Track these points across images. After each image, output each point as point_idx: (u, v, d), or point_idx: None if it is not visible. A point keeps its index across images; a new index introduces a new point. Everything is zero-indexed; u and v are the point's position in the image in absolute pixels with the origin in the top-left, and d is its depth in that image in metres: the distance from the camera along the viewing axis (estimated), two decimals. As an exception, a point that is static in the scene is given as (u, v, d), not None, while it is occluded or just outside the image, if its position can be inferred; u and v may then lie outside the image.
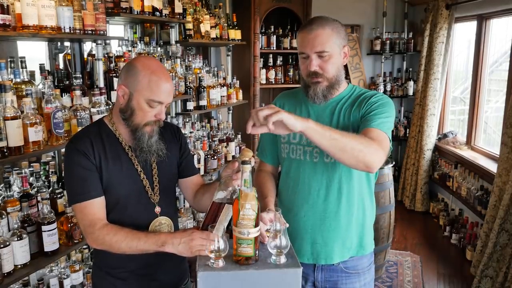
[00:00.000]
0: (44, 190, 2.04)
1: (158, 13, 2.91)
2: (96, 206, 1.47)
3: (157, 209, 1.58)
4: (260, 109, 1.36)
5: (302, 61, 1.66)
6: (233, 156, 3.90)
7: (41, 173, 2.22)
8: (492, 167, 3.82)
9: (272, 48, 4.67)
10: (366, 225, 1.75)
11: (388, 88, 5.46)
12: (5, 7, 1.81)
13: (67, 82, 2.43)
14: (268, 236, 1.37)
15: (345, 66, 5.50)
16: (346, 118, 1.66)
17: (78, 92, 2.16)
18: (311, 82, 1.64)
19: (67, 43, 2.57)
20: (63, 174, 2.32)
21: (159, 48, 3.18)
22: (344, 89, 1.71)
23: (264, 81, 4.68)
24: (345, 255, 1.71)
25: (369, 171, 1.51)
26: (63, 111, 2.07)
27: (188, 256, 1.41)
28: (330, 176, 1.66)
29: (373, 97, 1.66)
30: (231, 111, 4.30)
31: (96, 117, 2.18)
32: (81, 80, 2.34)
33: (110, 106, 2.31)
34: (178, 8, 3.18)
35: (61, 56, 2.59)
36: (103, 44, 2.46)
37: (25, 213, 1.93)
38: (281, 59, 4.77)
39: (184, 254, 1.40)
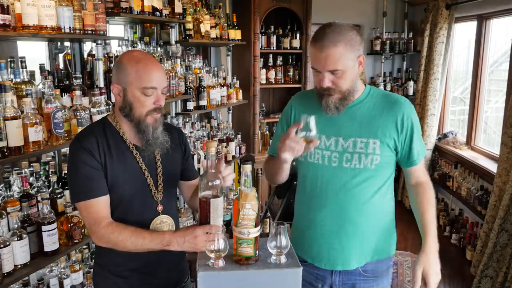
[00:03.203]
0: (44, 190, 2.04)
1: (158, 13, 2.90)
2: (101, 205, 1.48)
3: (160, 207, 1.59)
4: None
5: (315, 73, 1.61)
6: (233, 156, 3.90)
7: (41, 173, 2.22)
8: (492, 167, 3.82)
9: (272, 48, 4.67)
10: (386, 230, 1.73)
11: (388, 88, 5.46)
12: (5, 7, 1.80)
13: (67, 82, 2.43)
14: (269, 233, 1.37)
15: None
16: (368, 124, 1.62)
17: (78, 92, 2.16)
18: (323, 93, 1.60)
19: (67, 43, 2.57)
20: (64, 173, 2.33)
21: (159, 48, 3.18)
22: (362, 92, 1.67)
23: (264, 81, 4.68)
24: (362, 261, 1.69)
25: None
26: (63, 111, 2.07)
27: (196, 250, 1.40)
28: (349, 182, 1.62)
29: (406, 111, 1.63)
30: (231, 111, 4.30)
31: (96, 117, 2.18)
32: (81, 80, 2.34)
33: (110, 106, 2.31)
34: (178, 8, 3.18)
35: (61, 56, 2.59)
36: (103, 44, 2.46)
37: (25, 213, 1.93)
38: (281, 59, 4.77)
39: (191, 251, 1.40)
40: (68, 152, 1.55)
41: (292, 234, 1.85)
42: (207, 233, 1.37)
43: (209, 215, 1.37)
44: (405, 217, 4.91)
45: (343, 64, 1.53)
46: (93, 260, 2.29)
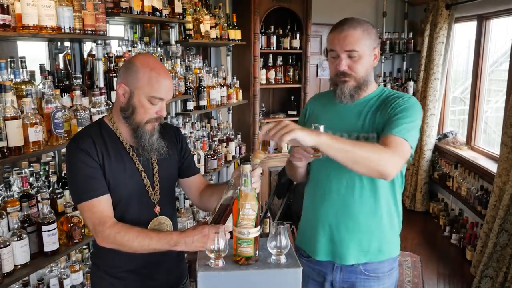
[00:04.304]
0: (44, 190, 2.04)
1: (158, 13, 2.91)
2: (104, 204, 1.47)
3: (157, 209, 1.58)
4: (272, 129, 1.37)
5: (331, 60, 1.65)
6: (233, 156, 3.90)
7: (41, 173, 2.22)
8: (492, 167, 3.82)
9: (272, 48, 4.67)
10: (387, 230, 1.72)
11: (388, 88, 5.45)
12: (5, 7, 1.81)
13: (67, 82, 2.43)
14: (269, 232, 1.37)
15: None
16: (372, 120, 1.65)
17: (78, 92, 2.16)
18: (339, 81, 1.64)
19: (67, 43, 2.57)
20: (64, 173, 2.33)
21: (159, 48, 3.18)
22: (373, 91, 1.70)
23: (264, 81, 4.68)
24: (361, 258, 1.69)
25: (384, 178, 1.52)
26: (63, 111, 2.07)
27: (204, 250, 1.40)
28: (351, 177, 1.64)
29: (400, 99, 1.64)
30: (231, 111, 4.30)
31: (96, 117, 2.18)
32: (81, 80, 2.34)
33: (110, 106, 2.31)
34: (178, 8, 3.18)
35: (61, 56, 2.59)
36: (103, 44, 2.46)
37: (25, 213, 1.93)
38: (281, 59, 4.77)
39: (198, 250, 1.40)
40: (65, 154, 1.55)
41: (298, 227, 1.91)
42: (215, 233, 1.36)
43: (226, 218, 1.40)
44: (405, 217, 4.92)
45: (360, 46, 1.59)
46: (91, 260, 2.29)
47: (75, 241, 2.11)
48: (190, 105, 3.41)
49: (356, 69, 1.61)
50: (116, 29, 3.29)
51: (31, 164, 2.27)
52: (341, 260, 1.70)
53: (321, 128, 1.52)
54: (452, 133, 4.92)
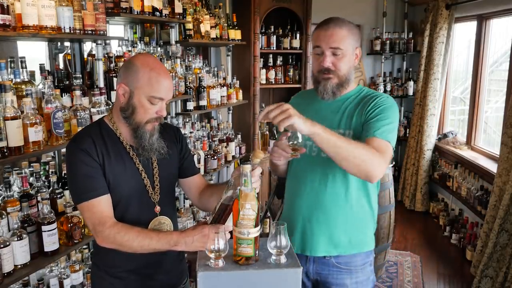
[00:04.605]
0: (44, 190, 2.04)
1: (158, 13, 2.91)
2: (104, 204, 1.47)
3: (157, 208, 1.58)
4: (273, 110, 1.41)
5: (316, 57, 1.72)
6: (233, 156, 3.90)
7: (41, 173, 2.22)
8: (492, 167, 3.82)
9: (272, 48, 4.67)
10: (359, 224, 1.76)
11: (388, 88, 5.46)
12: (5, 7, 1.81)
13: (67, 82, 2.43)
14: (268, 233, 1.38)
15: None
16: (349, 117, 1.71)
17: (78, 92, 2.16)
18: (322, 78, 1.70)
19: (67, 43, 2.57)
20: (64, 173, 2.33)
21: (159, 48, 3.18)
22: (352, 89, 1.77)
23: (264, 81, 4.68)
24: (332, 251, 1.74)
25: (369, 181, 1.59)
26: (63, 111, 2.07)
27: (204, 250, 1.40)
28: (325, 171, 1.71)
29: (377, 98, 1.70)
30: (231, 111, 4.30)
31: (96, 117, 2.18)
32: (81, 80, 2.34)
33: (110, 106, 2.31)
34: (178, 8, 3.18)
35: (61, 56, 2.59)
36: (103, 44, 2.45)
37: (25, 213, 1.93)
38: (281, 59, 4.77)
39: (198, 250, 1.40)
40: (65, 154, 1.55)
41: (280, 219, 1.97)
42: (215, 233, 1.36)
43: (225, 217, 1.40)
44: (405, 217, 4.93)
45: (344, 45, 1.66)
46: (91, 260, 2.29)
47: (75, 241, 2.11)
48: (190, 105, 3.42)
49: (339, 66, 1.68)
50: (116, 29, 3.29)
51: (31, 164, 2.27)
52: (311, 252, 1.75)
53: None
54: (452, 133, 4.93)
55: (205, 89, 3.49)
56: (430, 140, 4.94)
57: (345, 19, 1.72)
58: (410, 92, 5.46)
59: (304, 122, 1.43)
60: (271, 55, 4.73)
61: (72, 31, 2.13)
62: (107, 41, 2.62)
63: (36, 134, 1.88)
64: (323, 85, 1.70)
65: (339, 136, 1.51)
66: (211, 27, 3.72)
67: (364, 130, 1.64)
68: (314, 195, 1.73)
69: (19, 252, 1.84)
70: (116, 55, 2.76)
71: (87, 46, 2.64)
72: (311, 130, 1.45)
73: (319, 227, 1.73)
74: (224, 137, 3.87)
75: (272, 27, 4.66)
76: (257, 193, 1.36)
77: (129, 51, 2.90)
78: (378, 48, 5.41)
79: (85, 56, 2.62)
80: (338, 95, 1.72)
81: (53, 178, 2.22)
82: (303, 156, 1.71)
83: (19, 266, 1.86)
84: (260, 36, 4.46)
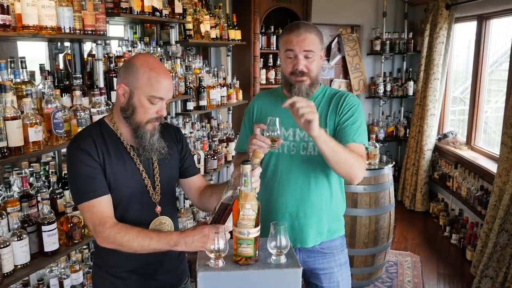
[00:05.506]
0: (44, 190, 2.04)
1: (158, 13, 2.91)
2: (105, 204, 1.47)
3: (158, 209, 1.58)
4: (301, 105, 1.51)
5: (288, 60, 1.81)
6: (233, 156, 3.90)
7: (41, 173, 2.22)
8: (492, 167, 3.82)
9: (272, 48, 4.67)
10: (336, 213, 1.92)
11: (388, 88, 5.46)
12: (5, 7, 1.81)
13: (67, 82, 2.43)
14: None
15: (345, 66, 5.52)
16: (324, 117, 1.82)
17: (78, 92, 2.16)
18: (295, 80, 1.79)
19: (67, 43, 2.57)
20: (64, 173, 2.33)
21: (159, 48, 3.18)
22: (317, 89, 1.88)
23: (264, 81, 4.68)
24: (318, 240, 1.88)
25: (351, 182, 1.75)
26: (63, 111, 2.07)
27: (204, 250, 1.40)
28: (306, 168, 1.82)
29: (346, 98, 1.83)
30: (231, 111, 4.30)
31: (96, 117, 2.18)
32: (81, 80, 2.34)
33: (110, 106, 2.31)
34: (178, 8, 3.18)
35: (61, 56, 2.59)
36: (103, 44, 2.46)
37: (25, 213, 1.93)
38: (281, 59, 4.77)
39: (198, 250, 1.40)
40: (66, 154, 1.55)
41: None
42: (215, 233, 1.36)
43: (225, 217, 1.40)
44: (405, 217, 4.93)
45: (315, 47, 1.78)
46: (92, 260, 2.29)
47: (75, 241, 2.11)
48: (190, 105, 3.42)
49: (311, 68, 1.79)
50: (116, 29, 3.29)
51: (31, 164, 2.27)
52: (302, 243, 1.87)
53: (277, 120, 1.59)
54: (452, 133, 4.93)
55: (205, 89, 3.49)
56: (430, 140, 4.94)
57: (310, 23, 1.86)
58: (410, 92, 5.46)
59: (318, 123, 1.54)
60: (271, 55, 4.73)
61: (72, 31, 2.13)
62: (107, 41, 2.62)
63: (36, 134, 1.88)
64: (298, 88, 1.78)
65: (337, 142, 1.65)
66: (211, 27, 3.72)
67: (342, 134, 1.77)
68: (299, 191, 1.83)
69: (19, 252, 1.84)
70: (116, 55, 2.77)
71: (87, 46, 2.64)
72: (320, 132, 1.57)
73: (307, 220, 1.85)
74: (224, 137, 3.88)
75: (272, 27, 4.67)
76: (257, 193, 1.37)
77: (129, 51, 2.90)
78: (378, 48, 5.41)
79: (85, 56, 2.62)
80: (310, 95, 1.82)
81: (53, 178, 2.22)
82: (281, 156, 1.85)
83: (19, 266, 1.86)
84: (260, 36, 4.46)
